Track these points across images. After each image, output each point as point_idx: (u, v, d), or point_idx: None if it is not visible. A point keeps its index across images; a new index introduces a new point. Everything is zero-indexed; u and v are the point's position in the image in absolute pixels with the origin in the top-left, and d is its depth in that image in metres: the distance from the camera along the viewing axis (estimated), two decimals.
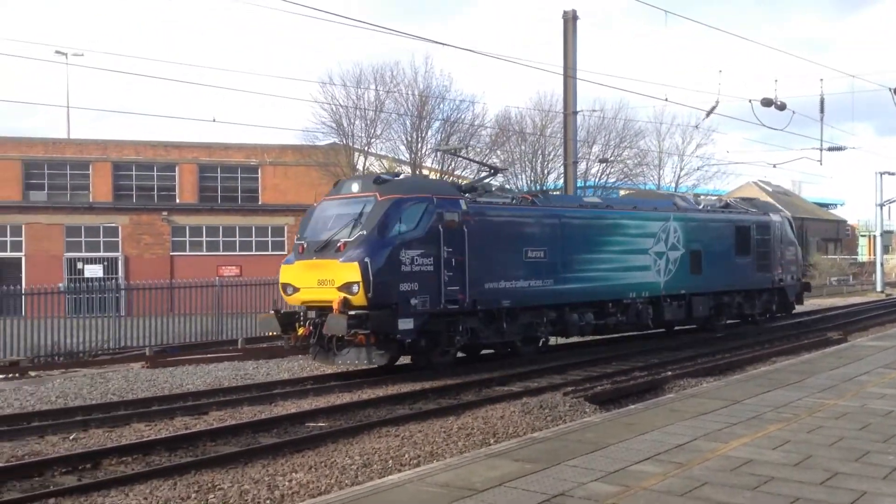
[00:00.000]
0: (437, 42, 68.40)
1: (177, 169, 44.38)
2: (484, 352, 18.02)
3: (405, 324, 14.59)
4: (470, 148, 44.45)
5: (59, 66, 54.31)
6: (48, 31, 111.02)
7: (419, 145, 43.73)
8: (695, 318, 21.95)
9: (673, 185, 55.63)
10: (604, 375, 15.91)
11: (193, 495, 8.10)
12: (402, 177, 16.48)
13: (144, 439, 10.62)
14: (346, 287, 14.36)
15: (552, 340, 19.30)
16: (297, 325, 15.33)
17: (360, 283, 14.22)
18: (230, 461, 9.56)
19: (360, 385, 14.79)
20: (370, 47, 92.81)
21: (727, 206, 24.64)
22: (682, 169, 57.09)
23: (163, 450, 10.10)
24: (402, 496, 6.63)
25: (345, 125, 43.45)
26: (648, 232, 20.11)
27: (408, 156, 43.98)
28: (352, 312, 14.14)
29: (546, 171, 48.01)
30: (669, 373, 15.89)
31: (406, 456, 9.60)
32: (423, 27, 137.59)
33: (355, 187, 15.95)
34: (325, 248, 15.03)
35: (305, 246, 15.57)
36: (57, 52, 43.51)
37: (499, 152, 47.17)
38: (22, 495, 8.24)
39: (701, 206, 23.31)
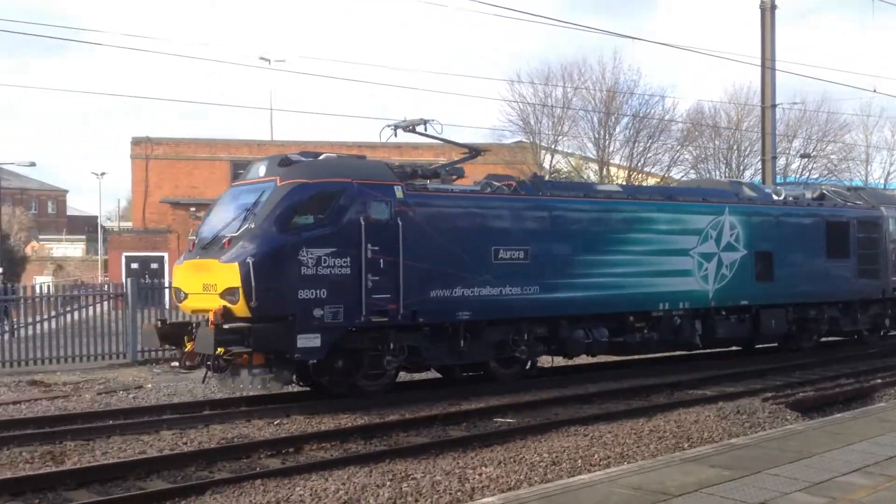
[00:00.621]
0: (627, 36, 67.36)
1: None
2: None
3: (308, 340, 11.80)
4: (660, 143, 43.41)
5: (263, 71, 57.71)
6: (254, 38, 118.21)
7: (607, 142, 43.12)
8: (765, 336, 18.05)
9: (882, 181, 52.00)
10: (807, 382, 15.14)
11: (388, 483, 8.34)
12: (322, 157, 13.16)
13: (342, 427, 11.09)
14: (228, 294, 11.66)
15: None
16: (185, 339, 12.56)
17: (241, 289, 11.50)
18: (422, 452, 9.83)
19: (547, 384, 14.77)
20: (558, 44, 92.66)
21: (822, 197, 20.32)
22: (891, 164, 53.25)
23: (359, 438, 10.56)
24: (593, 496, 6.58)
25: (532, 123, 43.49)
26: (689, 228, 16.39)
27: (595, 153, 43.46)
28: (227, 326, 11.52)
29: (742, 167, 46.09)
30: (879, 380, 14.90)
31: (595, 456, 9.49)
32: (611, 22, 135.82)
33: (261, 170, 13.01)
34: (210, 246, 12.39)
35: (196, 242, 13.01)
36: (261, 58, 46.19)
37: (690, 147, 45.79)
38: (231, 475, 8.78)
39: (781, 197, 19.05)
